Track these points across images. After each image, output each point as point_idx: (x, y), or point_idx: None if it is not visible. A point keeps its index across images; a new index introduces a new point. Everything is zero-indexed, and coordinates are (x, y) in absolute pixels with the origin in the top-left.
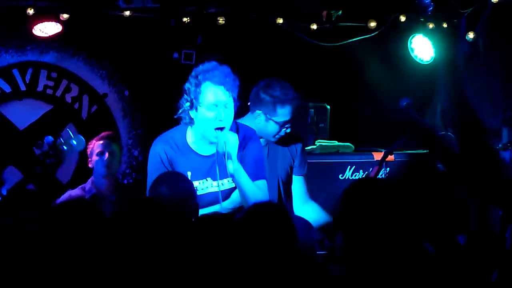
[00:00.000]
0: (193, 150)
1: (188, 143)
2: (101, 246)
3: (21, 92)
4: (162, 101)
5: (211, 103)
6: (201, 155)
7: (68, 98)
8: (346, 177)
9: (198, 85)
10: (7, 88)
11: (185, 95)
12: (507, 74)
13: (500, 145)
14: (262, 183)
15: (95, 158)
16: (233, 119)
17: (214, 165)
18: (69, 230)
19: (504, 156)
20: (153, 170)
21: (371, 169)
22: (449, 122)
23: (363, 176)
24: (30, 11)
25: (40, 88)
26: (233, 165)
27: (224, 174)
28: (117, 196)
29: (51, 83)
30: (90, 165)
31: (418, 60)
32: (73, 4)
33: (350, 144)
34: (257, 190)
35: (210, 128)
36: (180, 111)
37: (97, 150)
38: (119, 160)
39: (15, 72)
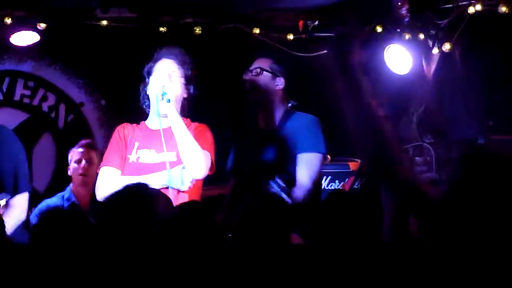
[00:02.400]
0: (145, 124)
1: (145, 122)
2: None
3: None
4: (139, 111)
5: (160, 71)
6: (150, 128)
7: (45, 107)
8: (322, 187)
9: (153, 62)
10: None
11: (144, 78)
12: (484, 84)
13: None
14: None
15: (73, 165)
16: (182, 99)
17: (160, 138)
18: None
19: None
20: (110, 143)
21: (346, 179)
22: (425, 132)
23: (339, 187)
24: (8, 20)
25: (17, 97)
26: (169, 108)
27: (171, 148)
28: (94, 206)
29: (28, 92)
30: (69, 173)
31: (394, 71)
32: (50, 13)
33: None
34: (196, 153)
35: (157, 95)
36: (141, 94)
37: (75, 157)
38: (96, 168)
39: None
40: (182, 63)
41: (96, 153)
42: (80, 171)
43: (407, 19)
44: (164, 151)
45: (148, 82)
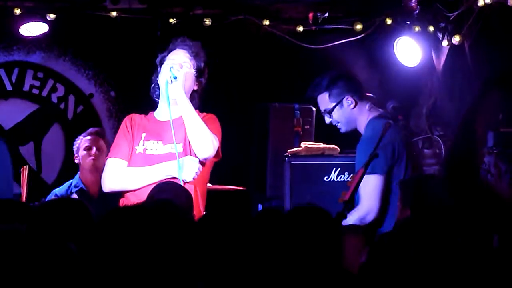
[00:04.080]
0: (153, 116)
1: (153, 113)
2: (89, 246)
3: (7, 92)
4: (148, 102)
5: (171, 61)
6: (158, 119)
7: (54, 98)
8: (332, 179)
9: (168, 52)
10: None
11: (157, 68)
12: (493, 77)
13: (485, 149)
14: None
15: (82, 153)
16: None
17: (169, 130)
18: (56, 230)
19: (488, 160)
20: (118, 132)
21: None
22: (435, 125)
23: (348, 179)
24: (17, 11)
25: (26, 88)
26: (177, 90)
27: (178, 139)
28: (102, 193)
29: (37, 83)
30: (76, 161)
31: (403, 63)
32: (60, 4)
33: (336, 146)
34: (203, 133)
35: (166, 80)
36: (153, 84)
37: (84, 145)
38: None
39: (1, 72)
40: (195, 55)
41: (104, 141)
42: (92, 157)
43: (416, 12)
44: (173, 142)
45: (159, 71)
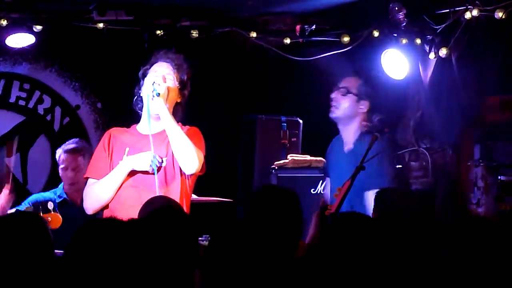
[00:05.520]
0: (136, 129)
1: (136, 127)
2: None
3: None
4: (135, 114)
5: (154, 74)
6: (140, 133)
7: (41, 110)
8: (318, 192)
9: (150, 65)
10: None
11: (139, 80)
12: (481, 89)
13: (470, 162)
14: None
15: (60, 170)
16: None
17: (150, 144)
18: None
19: (475, 172)
20: (96, 152)
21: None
22: (422, 137)
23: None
24: (3, 22)
25: (12, 99)
26: (159, 105)
27: (161, 153)
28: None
29: (23, 95)
30: (59, 173)
31: (390, 75)
32: (46, 15)
33: (322, 159)
34: (188, 148)
35: (148, 95)
36: (135, 97)
37: (61, 164)
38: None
39: None
40: (178, 67)
41: (83, 158)
42: (68, 181)
43: (404, 24)
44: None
45: (142, 84)
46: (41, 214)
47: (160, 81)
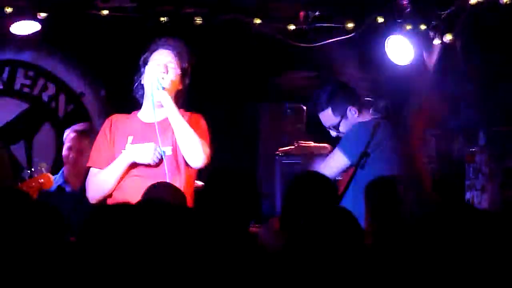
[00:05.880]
0: (138, 117)
1: (137, 114)
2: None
3: None
4: (139, 101)
5: (155, 62)
6: (144, 121)
7: (45, 97)
8: None
9: (150, 53)
10: None
11: (140, 68)
12: (486, 76)
13: (474, 149)
14: None
15: (64, 148)
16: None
17: (155, 132)
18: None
19: (480, 159)
20: (97, 140)
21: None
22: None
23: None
24: (8, 10)
25: (17, 87)
26: (163, 96)
27: (166, 142)
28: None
29: (28, 82)
30: (63, 154)
31: (395, 62)
32: (51, 3)
33: (327, 145)
34: (194, 142)
35: (153, 84)
36: (136, 84)
37: (67, 144)
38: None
39: None
40: (179, 55)
41: (89, 142)
42: (70, 161)
43: (408, 10)
44: (159, 145)
45: (143, 72)
46: (35, 175)
47: (163, 75)
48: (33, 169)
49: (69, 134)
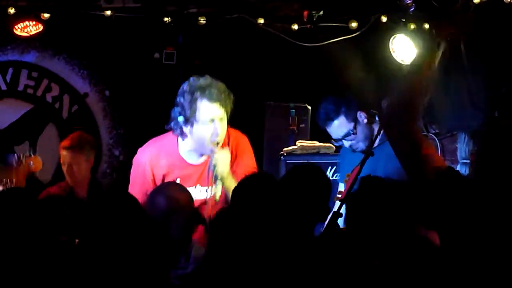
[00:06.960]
0: (183, 159)
1: (180, 152)
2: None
3: (2, 92)
4: (143, 101)
5: (207, 119)
6: (191, 164)
7: (49, 98)
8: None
9: (194, 102)
10: None
11: (178, 107)
12: (490, 75)
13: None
14: None
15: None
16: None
17: (205, 172)
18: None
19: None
20: (135, 178)
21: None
22: (430, 123)
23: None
24: (11, 11)
25: (20, 87)
26: (224, 172)
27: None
28: (91, 195)
29: (31, 83)
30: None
31: (399, 61)
32: (54, 3)
33: (331, 145)
34: None
35: (206, 143)
36: (172, 123)
37: (61, 159)
38: (87, 166)
39: None
40: (225, 103)
41: (83, 153)
42: (67, 175)
43: (412, 9)
44: (209, 185)
45: (190, 122)
46: (24, 160)
47: (217, 138)
48: (20, 153)
49: (61, 150)
